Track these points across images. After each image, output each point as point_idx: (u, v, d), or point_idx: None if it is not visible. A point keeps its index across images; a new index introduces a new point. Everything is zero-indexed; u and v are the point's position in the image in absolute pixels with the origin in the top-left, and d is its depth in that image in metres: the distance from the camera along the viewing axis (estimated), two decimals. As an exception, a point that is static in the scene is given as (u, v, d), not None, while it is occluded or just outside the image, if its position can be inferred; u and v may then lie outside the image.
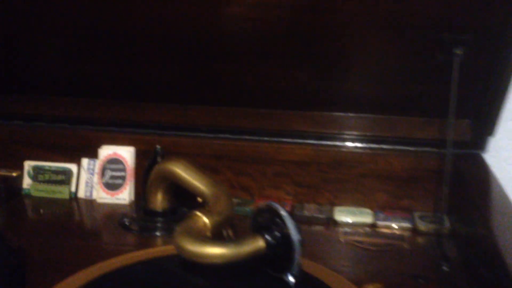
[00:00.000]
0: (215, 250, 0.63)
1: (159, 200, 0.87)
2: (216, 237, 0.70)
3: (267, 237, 0.65)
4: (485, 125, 0.89)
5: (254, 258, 0.66)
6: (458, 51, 0.79)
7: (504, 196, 0.78)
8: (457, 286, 0.72)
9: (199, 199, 0.79)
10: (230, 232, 0.76)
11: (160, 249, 0.77)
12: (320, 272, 0.70)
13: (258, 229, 0.67)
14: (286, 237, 0.64)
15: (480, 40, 0.80)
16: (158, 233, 0.85)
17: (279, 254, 0.65)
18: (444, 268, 0.76)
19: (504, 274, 0.58)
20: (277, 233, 0.65)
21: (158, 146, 0.88)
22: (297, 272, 0.66)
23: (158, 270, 0.71)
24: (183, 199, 0.88)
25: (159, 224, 0.87)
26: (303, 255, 0.70)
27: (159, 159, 0.88)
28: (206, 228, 0.69)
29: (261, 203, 0.69)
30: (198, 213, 0.69)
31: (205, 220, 0.69)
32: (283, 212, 0.65)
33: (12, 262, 0.68)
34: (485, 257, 0.68)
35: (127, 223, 0.87)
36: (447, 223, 0.86)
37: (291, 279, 0.66)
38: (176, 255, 0.71)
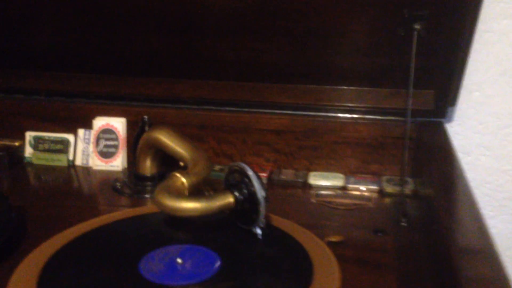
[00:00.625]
0: (189, 205, 0.70)
1: (147, 166, 0.92)
2: (193, 195, 0.76)
3: (236, 193, 0.71)
4: (446, 96, 0.93)
5: (225, 213, 0.73)
6: (417, 26, 0.83)
7: (455, 159, 0.84)
8: (411, 239, 0.78)
9: (181, 163, 0.86)
10: (212, 193, 0.83)
11: (147, 208, 0.84)
12: (287, 227, 0.77)
13: (229, 187, 0.74)
14: (252, 194, 0.71)
15: (438, 15, 0.84)
16: (147, 195, 0.91)
17: (247, 209, 0.72)
18: (403, 223, 0.81)
19: (442, 231, 0.64)
20: (245, 190, 0.71)
21: (145, 116, 0.94)
22: (264, 225, 0.72)
23: (140, 225, 0.78)
24: (170, 165, 0.93)
25: (148, 188, 0.92)
26: (275, 211, 0.78)
27: (146, 128, 0.94)
28: (184, 187, 0.75)
29: (233, 163, 0.75)
30: (177, 174, 0.76)
31: (183, 180, 0.75)
32: (250, 172, 0.71)
33: (12, 218, 0.75)
34: (431, 215, 0.74)
35: (119, 187, 0.93)
36: (411, 185, 0.91)
37: (258, 231, 0.73)
38: (159, 212, 0.79)
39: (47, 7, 0.96)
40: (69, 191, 0.95)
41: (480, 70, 0.99)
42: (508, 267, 0.55)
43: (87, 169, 1.03)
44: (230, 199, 0.72)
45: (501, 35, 0.96)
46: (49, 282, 0.62)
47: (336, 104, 0.99)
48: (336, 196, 0.92)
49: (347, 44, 0.92)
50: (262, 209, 0.70)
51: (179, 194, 0.73)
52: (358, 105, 0.98)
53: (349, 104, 0.98)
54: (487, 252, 0.58)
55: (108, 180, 0.98)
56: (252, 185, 0.71)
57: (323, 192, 0.93)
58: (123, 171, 1.01)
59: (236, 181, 0.73)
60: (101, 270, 0.65)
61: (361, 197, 0.92)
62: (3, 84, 1.07)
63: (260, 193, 0.70)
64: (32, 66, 1.07)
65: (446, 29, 0.86)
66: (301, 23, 0.90)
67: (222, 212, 0.73)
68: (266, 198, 0.71)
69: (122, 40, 0.98)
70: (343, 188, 0.95)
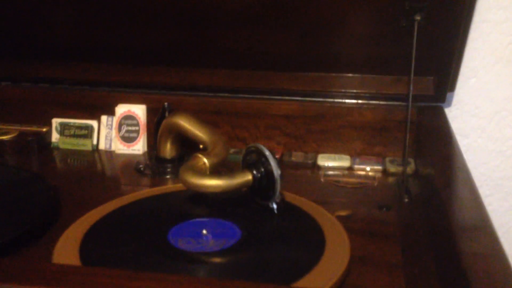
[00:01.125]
0: (212, 182, 0.76)
1: (168, 149, 0.98)
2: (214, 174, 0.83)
3: (254, 172, 0.78)
4: (445, 82, 0.98)
5: (244, 189, 0.80)
6: (417, 17, 0.89)
7: (454, 141, 0.90)
8: (413, 213, 0.84)
9: (201, 146, 0.91)
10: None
11: (169, 187, 0.91)
12: (300, 202, 0.83)
13: (247, 166, 0.80)
14: (269, 172, 0.77)
15: (437, 6, 0.88)
16: (168, 176, 0.96)
17: (264, 186, 0.78)
18: (405, 200, 0.87)
19: (441, 204, 0.70)
20: (262, 169, 0.78)
21: (166, 103, 0.99)
22: (279, 200, 0.79)
23: (166, 202, 0.84)
24: (189, 148, 0.99)
25: (168, 169, 0.97)
26: (288, 190, 0.84)
27: (166, 114, 0.99)
28: (206, 167, 0.81)
29: (250, 144, 0.81)
30: (199, 155, 0.82)
31: (205, 160, 0.81)
32: (267, 152, 0.78)
33: (50, 196, 0.82)
34: (432, 192, 0.79)
35: (141, 168, 0.99)
36: (412, 165, 0.97)
37: (274, 206, 0.80)
38: (181, 191, 0.86)
39: (70, 1, 1.00)
40: (94, 173, 1.01)
41: (477, 58, 1.04)
42: (503, 242, 0.58)
43: (110, 153, 1.08)
44: (248, 177, 0.78)
45: (496, 24, 1.02)
46: (90, 251, 0.69)
47: (342, 90, 1.03)
48: (343, 176, 0.98)
49: (352, 34, 0.97)
50: (278, 186, 0.77)
51: (202, 173, 0.80)
52: (363, 91, 1.03)
53: (354, 91, 1.03)
54: (484, 228, 0.62)
55: (130, 163, 1.03)
56: (269, 164, 0.77)
57: (331, 172, 0.99)
58: (144, 154, 1.07)
59: (253, 161, 0.80)
60: (135, 240, 0.72)
61: (366, 177, 0.97)
62: (30, 74, 1.12)
63: (276, 171, 0.77)
64: (57, 57, 1.11)
65: (445, 20, 0.90)
66: (310, 15, 0.94)
67: (240, 189, 0.79)
68: (281, 176, 0.77)
69: (142, 31, 1.03)
70: (350, 168, 1.00)
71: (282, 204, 0.80)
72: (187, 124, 0.92)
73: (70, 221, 0.77)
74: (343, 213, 0.83)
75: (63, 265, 0.62)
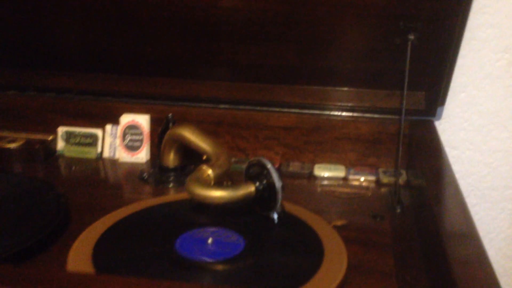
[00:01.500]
0: (216, 193, 0.80)
1: (171, 158, 1.01)
2: (218, 185, 0.86)
3: (257, 183, 0.82)
4: (436, 97, 1.02)
5: (247, 200, 0.83)
6: (411, 36, 0.93)
7: (443, 155, 0.94)
8: (405, 223, 0.88)
9: (204, 157, 0.95)
10: (229, 183, 0.93)
11: (172, 196, 0.95)
12: (299, 212, 0.87)
13: (250, 178, 0.84)
14: (271, 184, 0.81)
15: (430, 26, 0.93)
16: (170, 185, 1.00)
17: (266, 197, 0.83)
18: (398, 210, 0.92)
19: (431, 216, 0.74)
20: (264, 181, 0.82)
21: (170, 114, 1.02)
22: (280, 211, 0.83)
23: (171, 211, 0.88)
24: (191, 158, 1.02)
25: (171, 178, 1.01)
26: (286, 200, 0.88)
27: (170, 125, 1.02)
28: (210, 178, 0.85)
29: (253, 158, 0.85)
30: (204, 167, 0.86)
31: (209, 172, 0.85)
32: (269, 165, 0.82)
33: (61, 203, 0.85)
34: (422, 203, 0.84)
35: (145, 177, 1.02)
36: (404, 177, 1.01)
37: (275, 216, 0.84)
38: (184, 200, 0.90)
39: (77, 12, 1.03)
40: (99, 180, 1.04)
41: (466, 73, 1.09)
42: (489, 249, 0.64)
43: (114, 161, 1.11)
44: (251, 188, 0.82)
45: (485, 42, 1.06)
46: (102, 258, 0.73)
47: (338, 103, 1.07)
48: (338, 186, 1.02)
49: (348, 50, 1.00)
50: (279, 197, 0.82)
51: (207, 184, 0.85)
52: (358, 104, 1.07)
53: (350, 104, 1.07)
54: (471, 236, 0.66)
55: (133, 171, 1.07)
56: (271, 177, 0.82)
57: (326, 182, 1.04)
58: (147, 163, 1.10)
59: (256, 173, 0.84)
60: (144, 248, 0.76)
61: (360, 187, 1.02)
62: (37, 83, 1.15)
63: (278, 183, 0.81)
64: (63, 67, 1.14)
65: (437, 38, 0.95)
66: (308, 31, 0.98)
67: (243, 200, 0.84)
68: (283, 188, 0.82)
69: (147, 44, 1.06)
70: (344, 178, 1.04)
71: (282, 214, 0.84)
72: (191, 135, 0.95)
73: (79, 228, 0.81)
74: (339, 222, 0.87)
75: (80, 273, 0.66)
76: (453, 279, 0.57)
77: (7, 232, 0.77)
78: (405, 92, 0.96)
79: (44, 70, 1.16)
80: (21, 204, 0.85)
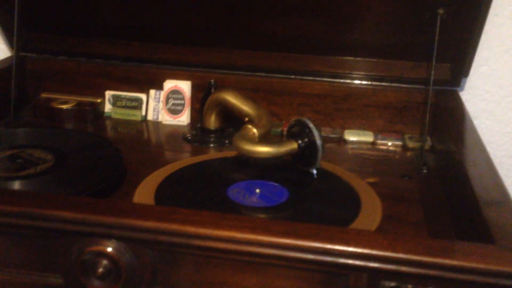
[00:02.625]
0: (263, 149, 0.88)
1: (212, 121, 1.08)
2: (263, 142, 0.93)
3: (299, 141, 0.90)
4: (461, 68, 1.08)
5: (287, 157, 0.91)
6: (440, 11, 0.99)
7: (469, 122, 1.00)
8: (432, 183, 0.96)
9: (246, 119, 1.01)
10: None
11: (217, 154, 1.03)
12: (334, 169, 0.95)
13: (291, 136, 0.91)
14: (312, 141, 0.89)
15: (458, 1, 0.98)
16: (211, 145, 1.07)
17: (307, 154, 0.90)
18: (424, 171, 0.99)
19: (462, 174, 0.81)
20: (306, 139, 0.90)
21: (212, 80, 1.09)
22: (319, 167, 0.92)
23: (220, 166, 0.96)
24: (229, 121, 1.10)
25: (212, 139, 1.08)
26: (323, 158, 0.96)
27: (212, 90, 1.09)
28: (255, 136, 0.93)
29: (295, 118, 0.92)
30: (249, 126, 0.94)
31: (254, 130, 0.93)
32: (311, 125, 0.89)
33: (120, 157, 0.93)
34: (451, 164, 0.90)
35: (188, 137, 1.09)
36: (429, 142, 1.08)
37: (314, 171, 0.92)
38: (229, 158, 0.98)
39: None
40: (145, 140, 1.12)
41: (488, 47, 1.15)
42: None
43: (157, 123, 1.18)
44: (294, 145, 0.90)
45: (507, 19, 1.13)
46: (163, 201, 0.82)
47: (368, 73, 1.13)
48: (367, 149, 1.09)
49: (379, 23, 1.06)
50: (320, 154, 0.89)
51: (253, 141, 0.92)
52: (386, 74, 1.12)
53: (380, 74, 1.13)
54: (504, 199, 0.71)
55: (175, 133, 1.13)
56: (313, 135, 0.89)
57: (355, 146, 1.11)
58: (188, 125, 1.17)
59: (297, 132, 0.92)
60: (200, 194, 0.85)
61: (387, 151, 1.08)
62: (85, 50, 1.21)
63: (319, 141, 0.89)
64: (111, 36, 1.20)
65: (464, 12, 1.00)
66: (341, 5, 1.03)
67: (285, 156, 0.91)
68: (323, 145, 0.90)
69: (189, 15, 1.12)
70: (373, 143, 1.11)
71: (320, 170, 0.92)
72: (233, 99, 1.02)
73: (136, 179, 0.89)
74: (371, 180, 0.95)
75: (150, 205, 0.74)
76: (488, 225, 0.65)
77: (77, 180, 0.85)
78: (434, 63, 1.02)
79: (93, 38, 1.21)
80: (87, 156, 0.93)
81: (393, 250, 0.58)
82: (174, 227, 0.61)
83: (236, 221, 0.62)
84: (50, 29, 1.23)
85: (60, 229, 0.64)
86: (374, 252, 0.58)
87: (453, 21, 1.02)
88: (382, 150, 1.10)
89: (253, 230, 0.60)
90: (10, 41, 1.25)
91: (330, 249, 0.59)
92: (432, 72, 1.03)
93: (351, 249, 0.59)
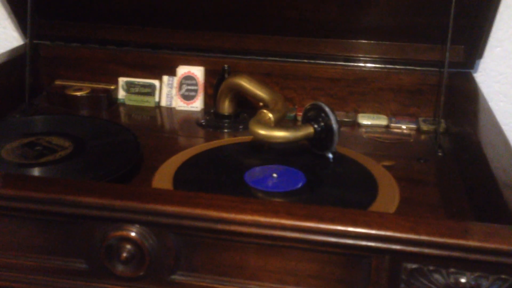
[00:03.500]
0: (279, 133, 0.89)
1: (226, 106, 1.08)
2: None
3: (315, 125, 0.90)
4: (475, 50, 1.08)
5: (303, 141, 0.92)
6: None
7: (485, 103, 1.01)
8: (447, 165, 0.96)
9: (260, 104, 1.02)
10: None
11: (232, 139, 1.03)
12: (350, 153, 0.96)
13: (308, 121, 0.92)
14: (329, 126, 0.89)
15: None
16: (225, 130, 1.08)
17: (323, 138, 0.91)
18: (439, 153, 1.00)
19: (479, 156, 0.81)
20: (322, 123, 0.90)
21: (226, 66, 1.09)
22: (335, 151, 0.92)
23: (236, 150, 0.97)
24: (243, 107, 1.11)
25: (226, 124, 1.09)
26: (338, 142, 0.96)
27: (226, 75, 1.09)
28: (271, 121, 0.92)
29: (311, 102, 0.93)
30: (265, 111, 0.93)
31: (270, 115, 0.92)
32: (327, 109, 0.90)
33: (138, 143, 0.94)
34: (468, 146, 0.91)
35: (203, 123, 1.10)
36: (443, 125, 1.08)
37: (330, 155, 0.92)
38: (244, 143, 0.99)
39: None
40: (159, 125, 1.12)
41: (502, 29, 1.15)
42: None
43: (170, 109, 1.18)
44: (310, 130, 0.91)
45: (521, 0, 1.12)
46: (182, 182, 0.83)
47: (382, 56, 1.13)
48: (381, 132, 1.09)
49: (392, 5, 1.05)
50: (336, 138, 0.90)
51: (269, 126, 0.93)
52: (400, 57, 1.12)
53: (393, 57, 1.12)
54: None
55: (189, 118, 1.14)
56: (329, 119, 0.90)
57: (369, 129, 1.11)
58: (201, 111, 1.18)
59: (314, 116, 0.92)
60: (217, 179, 0.86)
61: (402, 134, 1.09)
62: (98, 36, 1.21)
63: (335, 125, 0.89)
64: (123, 22, 1.20)
65: None
66: None
67: (301, 140, 0.92)
68: (339, 129, 0.90)
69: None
70: (387, 126, 1.11)
71: (336, 154, 0.93)
72: (248, 84, 1.02)
73: (152, 165, 0.90)
74: (387, 163, 0.95)
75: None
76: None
77: (97, 166, 0.86)
78: (449, 45, 1.02)
79: (106, 25, 1.21)
80: (104, 142, 0.94)
81: (415, 233, 0.59)
82: (198, 211, 0.62)
83: (259, 205, 0.62)
84: (63, 16, 1.23)
85: (84, 215, 0.65)
86: (396, 234, 0.59)
87: (467, 2, 1.02)
88: (397, 133, 1.10)
89: (276, 214, 0.61)
90: (23, 29, 1.25)
91: (352, 232, 0.60)
92: (447, 54, 1.03)
93: (374, 231, 0.59)
